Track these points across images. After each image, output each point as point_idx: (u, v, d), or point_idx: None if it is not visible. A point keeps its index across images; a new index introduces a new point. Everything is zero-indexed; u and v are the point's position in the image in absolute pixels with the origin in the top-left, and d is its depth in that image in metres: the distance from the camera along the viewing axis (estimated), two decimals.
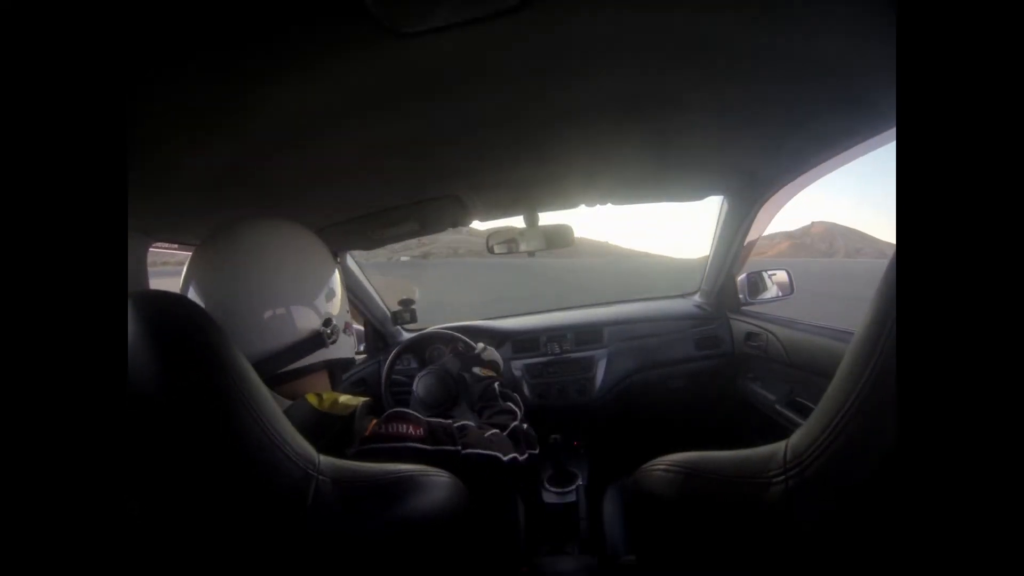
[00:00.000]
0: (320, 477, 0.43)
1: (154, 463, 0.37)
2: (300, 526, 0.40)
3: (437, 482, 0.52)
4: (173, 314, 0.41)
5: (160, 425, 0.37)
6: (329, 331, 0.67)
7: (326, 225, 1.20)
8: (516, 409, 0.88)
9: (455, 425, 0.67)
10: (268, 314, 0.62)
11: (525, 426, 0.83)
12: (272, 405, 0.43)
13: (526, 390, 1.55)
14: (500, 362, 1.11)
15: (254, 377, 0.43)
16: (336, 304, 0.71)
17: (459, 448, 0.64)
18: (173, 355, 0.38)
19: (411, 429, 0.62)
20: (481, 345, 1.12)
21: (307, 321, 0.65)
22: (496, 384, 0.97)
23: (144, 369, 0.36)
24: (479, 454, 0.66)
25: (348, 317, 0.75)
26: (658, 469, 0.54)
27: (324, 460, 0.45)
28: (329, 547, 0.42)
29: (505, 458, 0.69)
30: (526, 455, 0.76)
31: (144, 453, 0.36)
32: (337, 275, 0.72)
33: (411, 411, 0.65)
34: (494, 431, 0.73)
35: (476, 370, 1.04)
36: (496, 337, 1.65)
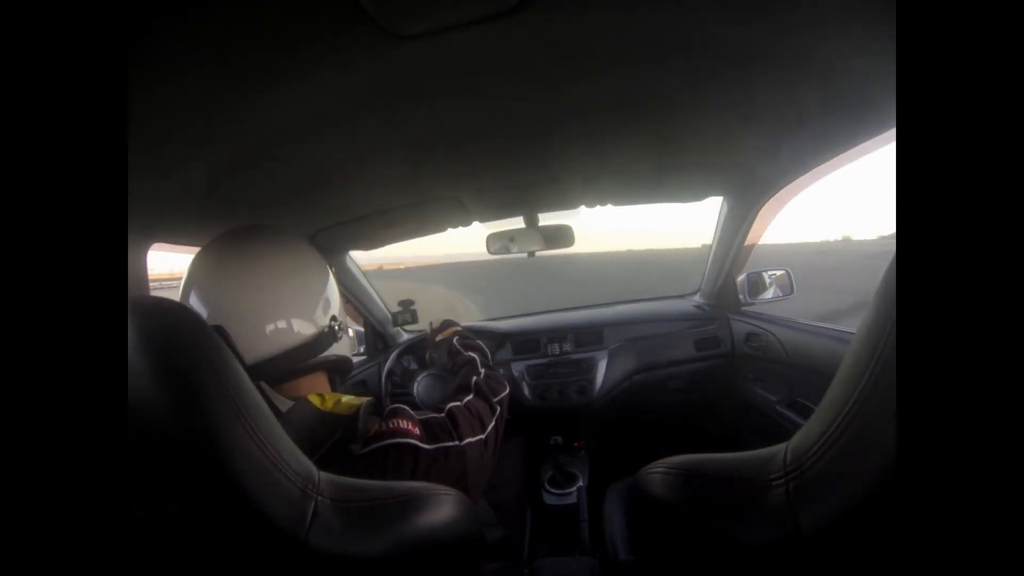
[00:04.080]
0: (319, 497, 0.42)
1: (153, 474, 0.36)
2: (298, 546, 0.39)
3: (442, 499, 0.51)
4: (169, 324, 0.40)
5: (156, 437, 0.36)
6: (337, 327, 0.70)
7: (326, 226, 1.20)
8: (475, 357, 0.92)
9: (445, 415, 0.69)
10: (270, 327, 0.64)
11: (483, 372, 0.87)
12: (270, 420, 0.42)
13: (526, 391, 1.55)
14: (453, 320, 1.20)
15: (252, 390, 0.42)
16: (336, 308, 0.73)
17: (457, 441, 0.66)
18: (168, 367, 0.37)
19: (409, 426, 0.63)
20: (430, 324, 1.21)
21: (306, 329, 0.67)
22: (455, 339, 1.02)
23: (140, 380, 0.36)
24: (472, 443, 0.69)
25: (345, 319, 0.77)
26: (658, 472, 0.54)
27: (324, 478, 0.44)
28: (329, 568, 0.40)
29: (484, 435, 0.73)
30: (497, 410, 0.80)
31: (144, 462, 0.35)
32: (332, 282, 0.74)
33: (407, 408, 0.66)
34: (467, 398, 0.77)
35: (439, 338, 1.11)
36: (496, 338, 1.65)
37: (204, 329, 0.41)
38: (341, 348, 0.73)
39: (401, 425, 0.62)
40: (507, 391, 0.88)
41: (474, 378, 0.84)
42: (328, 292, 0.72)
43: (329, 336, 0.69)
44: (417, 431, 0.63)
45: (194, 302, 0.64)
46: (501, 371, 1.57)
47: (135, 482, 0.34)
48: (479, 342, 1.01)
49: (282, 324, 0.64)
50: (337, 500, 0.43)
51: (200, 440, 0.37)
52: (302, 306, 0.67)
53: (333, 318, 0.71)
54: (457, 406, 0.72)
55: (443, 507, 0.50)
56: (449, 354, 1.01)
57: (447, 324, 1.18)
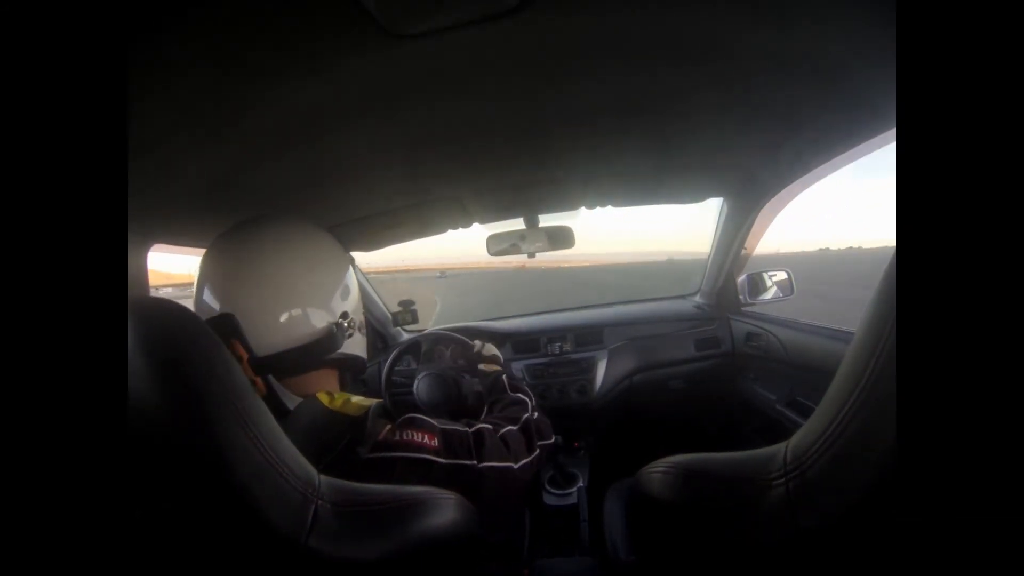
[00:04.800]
0: (319, 502, 0.42)
1: (154, 475, 0.36)
2: (298, 549, 0.39)
3: (443, 503, 0.50)
4: (169, 325, 0.40)
5: (156, 438, 0.36)
6: (346, 324, 0.67)
7: (326, 227, 1.20)
8: (527, 400, 0.86)
9: (471, 432, 0.65)
10: (284, 316, 0.62)
11: (536, 415, 0.81)
12: (271, 423, 0.42)
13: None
14: (500, 355, 1.13)
15: (252, 392, 0.42)
16: (352, 301, 0.70)
17: (475, 462, 0.62)
18: (168, 368, 0.37)
19: (426, 438, 0.59)
20: (478, 343, 1.14)
21: (323, 320, 0.64)
22: (503, 376, 0.96)
23: (139, 381, 0.35)
24: (494, 467, 0.64)
25: (362, 316, 0.74)
26: (658, 471, 0.54)
27: (324, 481, 0.44)
28: (330, 573, 0.40)
29: (516, 466, 0.68)
30: (536, 452, 0.75)
31: (145, 463, 0.35)
32: (352, 272, 0.71)
33: (426, 418, 0.63)
34: (508, 428, 0.72)
35: (481, 367, 1.05)
36: (496, 338, 1.65)
37: (204, 330, 0.41)
38: (357, 347, 0.70)
39: (415, 438, 0.59)
40: (552, 440, 0.83)
41: (526, 415, 0.78)
42: (347, 281, 0.69)
43: (341, 332, 0.66)
44: (434, 443, 0.59)
45: (207, 297, 0.62)
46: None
47: (135, 483, 0.34)
48: (526, 387, 0.95)
49: (297, 312, 0.62)
50: (338, 504, 0.43)
51: (200, 442, 0.36)
52: (318, 293, 0.65)
53: (344, 314, 0.67)
54: (487, 428, 0.68)
55: (444, 512, 0.50)
56: (493, 387, 0.94)
57: (494, 357, 1.11)
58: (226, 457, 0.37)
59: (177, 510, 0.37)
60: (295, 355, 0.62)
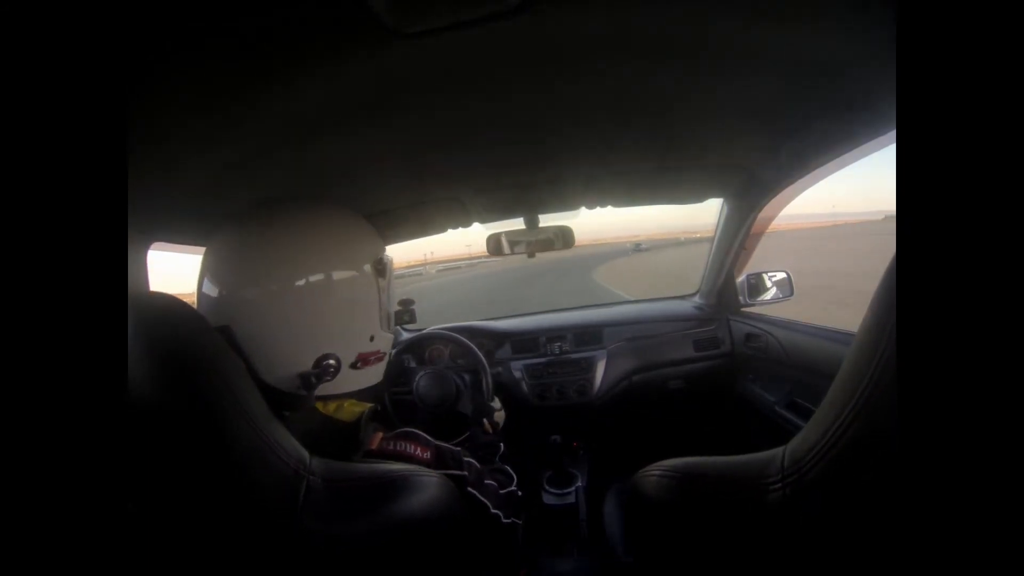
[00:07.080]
0: (311, 477, 0.44)
1: (149, 464, 0.37)
2: (291, 525, 0.41)
3: (428, 481, 0.52)
4: (165, 319, 0.41)
5: (153, 427, 0.37)
6: (321, 371, 0.59)
7: None
8: (513, 476, 0.85)
9: (465, 458, 0.66)
10: (301, 282, 0.58)
11: (520, 493, 0.82)
12: (264, 407, 0.44)
13: (526, 391, 1.55)
14: (501, 424, 1.15)
15: (247, 378, 0.43)
16: (374, 296, 0.66)
17: (465, 474, 0.63)
18: (164, 360, 0.38)
19: (419, 451, 0.61)
20: (497, 403, 1.18)
21: (350, 275, 0.61)
22: (500, 444, 0.97)
23: (137, 373, 0.37)
24: (475, 496, 0.65)
25: (385, 340, 0.69)
26: (654, 474, 0.54)
27: (316, 460, 0.46)
28: (320, 546, 0.42)
29: (492, 510, 0.68)
30: (510, 520, 0.74)
31: (140, 454, 0.36)
32: (388, 262, 0.68)
33: (422, 433, 0.63)
34: (492, 483, 0.73)
35: (484, 421, 1.09)
36: (495, 338, 1.65)
37: (200, 321, 0.43)
38: (360, 380, 0.65)
39: (408, 450, 0.60)
40: (521, 523, 0.80)
41: (510, 488, 0.78)
42: (381, 257, 0.66)
43: (327, 376, 0.60)
44: (427, 455, 0.61)
45: (208, 288, 0.60)
46: (500, 370, 1.57)
47: (133, 473, 0.35)
48: (509, 469, 0.91)
49: (317, 277, 0.58)
50: (328, 481, 0.45)
51: (198, 426, 0.38)
52: (343, 254, 0.62)
53: (321, 359, 0.59)
54: (473, 464, 0.68)
55: (427, 490, 0.52)
56: (487, 448, 0.94)
57: (497, 424, 1.13)
58: (222, 439, 0.39)
59: (177, 496, 0.38)
60: (292, 397, 0.58)
